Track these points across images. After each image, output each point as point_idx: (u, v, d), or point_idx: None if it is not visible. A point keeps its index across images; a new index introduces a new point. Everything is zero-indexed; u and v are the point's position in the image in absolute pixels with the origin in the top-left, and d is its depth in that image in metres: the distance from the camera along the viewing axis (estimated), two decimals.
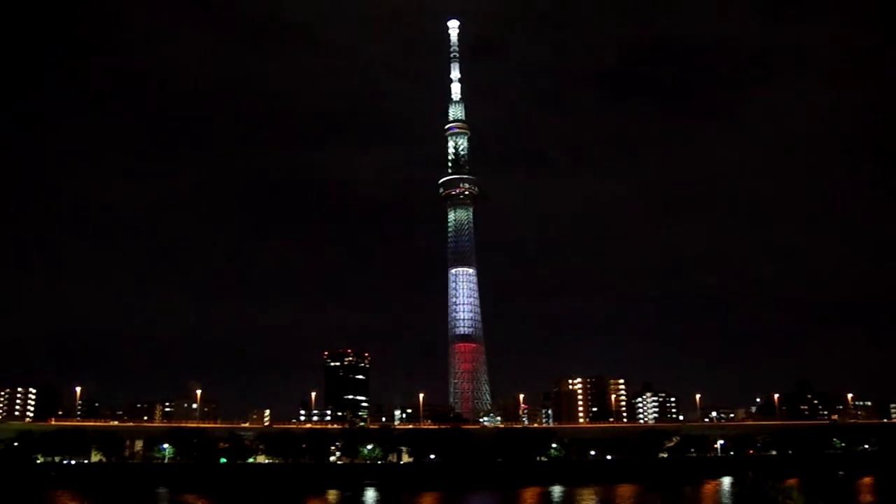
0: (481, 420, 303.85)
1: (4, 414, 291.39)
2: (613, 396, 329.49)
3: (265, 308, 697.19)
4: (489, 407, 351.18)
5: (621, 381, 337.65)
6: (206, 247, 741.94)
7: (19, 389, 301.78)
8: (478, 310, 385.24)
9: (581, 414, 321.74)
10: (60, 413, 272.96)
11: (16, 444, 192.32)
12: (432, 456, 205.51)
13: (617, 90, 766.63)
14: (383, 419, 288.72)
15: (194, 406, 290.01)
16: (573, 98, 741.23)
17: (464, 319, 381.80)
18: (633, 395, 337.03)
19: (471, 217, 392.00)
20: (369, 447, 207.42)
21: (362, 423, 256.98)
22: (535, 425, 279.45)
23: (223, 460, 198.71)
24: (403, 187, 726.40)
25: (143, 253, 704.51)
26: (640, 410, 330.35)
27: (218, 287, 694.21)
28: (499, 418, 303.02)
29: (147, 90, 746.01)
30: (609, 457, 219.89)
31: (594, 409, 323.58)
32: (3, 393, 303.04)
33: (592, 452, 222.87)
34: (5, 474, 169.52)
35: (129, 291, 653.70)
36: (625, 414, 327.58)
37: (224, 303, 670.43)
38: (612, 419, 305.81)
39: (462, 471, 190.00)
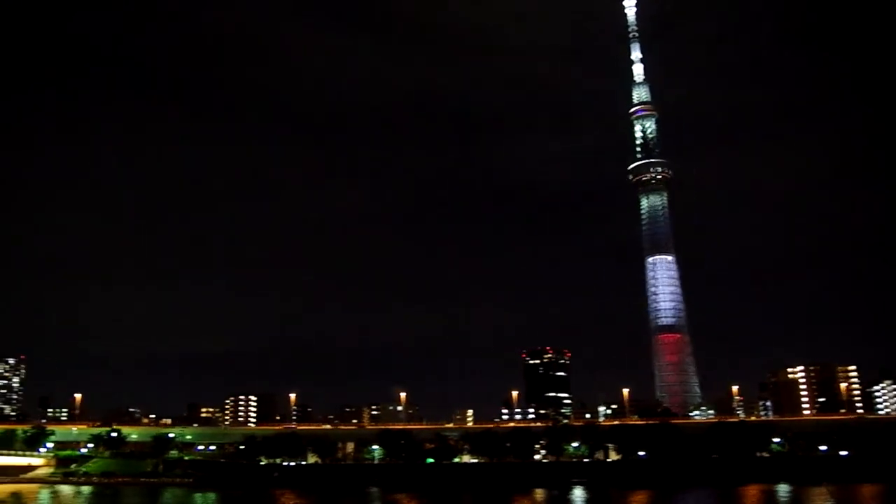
0: (691, 414, 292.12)
1: (231, 420, 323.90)
2: (843, 385, 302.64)
3: (463, 309, 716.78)
4: (699, 400, 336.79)
5: (852, 368, 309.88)
6: (399, 254, 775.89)
7: (241, 398, 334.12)
8: (680, 298, 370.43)
9: (806, 405, 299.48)
10: (278, 418, 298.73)
11: (242, 447, 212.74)
12: (641, 453, 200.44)
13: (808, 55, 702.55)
14: (587, 416, 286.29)
15: (399, 409, 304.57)
16: (760, 67, 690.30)
17: (665, 309, 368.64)
18: (867, 383, 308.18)
19: (665, 202, 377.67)
20: (575, 445, 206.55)
21: (566, 421, 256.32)
22: (752, 418, 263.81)
23: (430, 460, 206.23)
24: (590, 177, 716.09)
25: (344, 265, 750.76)
26: (880, 400, 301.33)
27: (415, 292, 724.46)
28: (711, 411, 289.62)
29: (322, 104, 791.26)
30: (844, 452, 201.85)
31: (821, 400, 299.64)
32: (228, 401, 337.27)
33: (823, 448, 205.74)
34: (234, 474, 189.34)
35: (334, 302, 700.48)
36: (859, 404, 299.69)
37: (421, 307, 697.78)
38: (843, 410, 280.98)
39: (673, 468, 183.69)
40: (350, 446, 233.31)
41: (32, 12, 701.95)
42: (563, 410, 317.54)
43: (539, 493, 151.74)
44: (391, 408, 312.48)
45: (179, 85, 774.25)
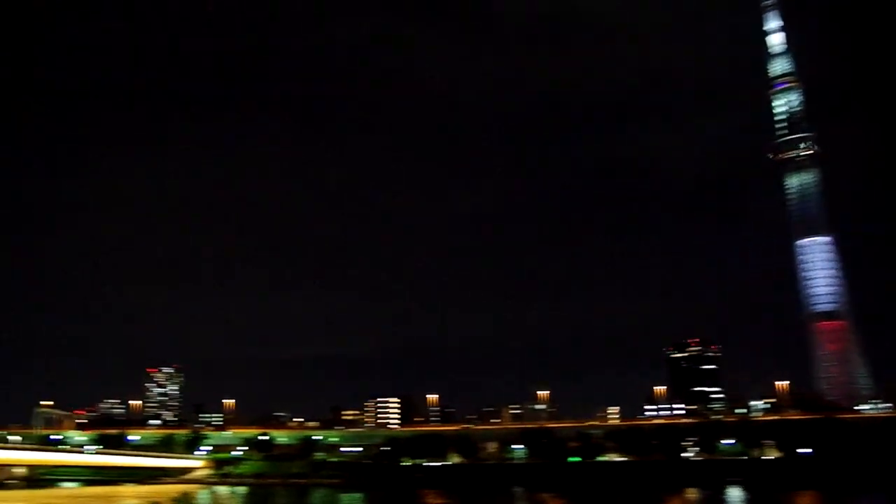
0: (859, 407, 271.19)
1: (373, 422, 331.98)
2: None
3: (602, 303, 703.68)
4: (868, 391, 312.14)
5: None
6: (531, 252, 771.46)
7: (381, 400, 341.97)
8: (838, 282, 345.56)
9: None
10: (420, 420, 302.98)
11: (385, 448, 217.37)
12: (802, 450, 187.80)
13: None
14: (740, 411, 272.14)
15: (540, 407, 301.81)
16: None
17: (823, 294, 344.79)
18: None
19: (815, 180, 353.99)
20: (728, 442, 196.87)
21: (717, 416, 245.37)
22: None
23: (574, 459, 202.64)
24: (729, 159, 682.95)
25: (477, 265, 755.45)
26: None
27: (551, 288, 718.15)
28: (888, 404, 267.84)
29: (433, 105, 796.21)
30: None
31: None
32: (369, 403, 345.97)
33: None
34: (379, 475, 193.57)
35: (471, 303, 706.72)
36: None
37: (558, 303, 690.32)
38: None
39: (842, 467, 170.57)
40: (492, 446, 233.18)
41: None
42: (712, 405, 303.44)
43: (691, 493, 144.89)
44: (532, 406, 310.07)
45: (309, 99, 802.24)
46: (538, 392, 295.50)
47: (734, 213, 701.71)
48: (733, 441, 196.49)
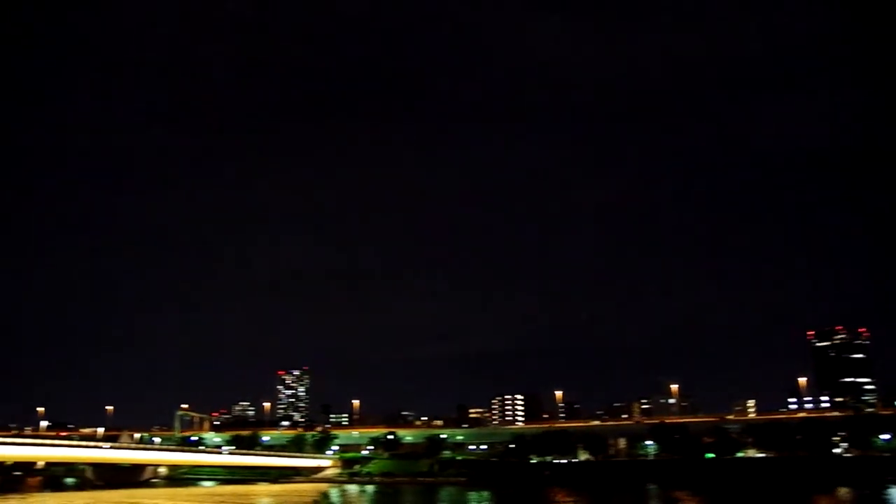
0: None
1: (499, 420, 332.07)
2: None
3: (734, 290, 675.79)
4: None
5: None
6: (656, 241, 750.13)
7: (507, 397, 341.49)
8: None
9: None
10: (546, 416, 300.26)
11: (511, 445, 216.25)
12: None
13: None
14: None
15: (671, 401, 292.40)
16: None
17: None
18: None
19: None
20: (885, 437, 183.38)
21: (870, 409, 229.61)
22: None
23: (709, 455, 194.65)
24: (865, 135, 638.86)
25: (597, 256, 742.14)
26: None
27: (679, 276, 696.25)
28: None
29: (575, 98, 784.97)
30: None
31: None
32: (495, 401, 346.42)
33: None
34: (506, 473, 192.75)
35: (595, 296, 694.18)
36: None
37: (688, 292, 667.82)
38: None
39: None
40: (622, 442, 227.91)
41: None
42: (864, 397, 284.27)
43: (844, 492, 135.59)
44: (662, 400, 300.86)
45: (424, 94, 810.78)
46: (669, 385, 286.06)
47: (878, 189, 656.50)
48: (889, 436, 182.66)
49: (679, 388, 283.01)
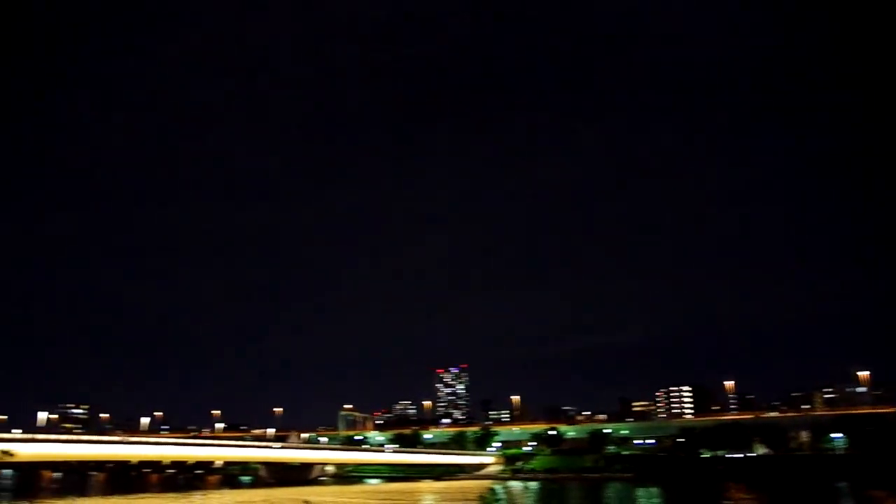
0: None
1: (665, 413, 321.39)
2: None
3: None
4: None
5: None
6: (806, 220, 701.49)
7: (673, 389, 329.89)
8: None
9: None
10: (716, 408, 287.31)
11: (679, 440, 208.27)
12: None
13: None
14: None
15: (861, 390, 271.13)
16: None
17: None
18: None
19: None
20: None
21: None
22: None
23: None
24: None
25: (757, 238, 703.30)
26: None
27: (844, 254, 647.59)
28: None
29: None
30: None
31: None
32: (660, 393, 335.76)
33: None
34: (675, 468, 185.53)
35: (758, 280, 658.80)
36: None
37: (871, 279, 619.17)
38: None
39: None
40: (803, 435, 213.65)
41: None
42: None
43: None
44: (850, 389, 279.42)
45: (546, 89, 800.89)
46: (858, 373, 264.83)
47: None
48: None
49: (869, 375, 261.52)
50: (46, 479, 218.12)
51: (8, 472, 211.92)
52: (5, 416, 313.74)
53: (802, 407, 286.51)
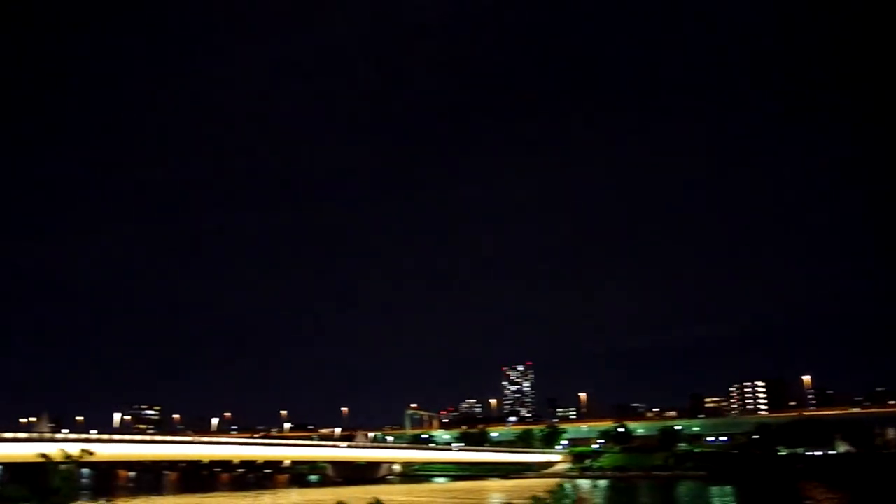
0: None
1: (738, 409, 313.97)
2: None
3: None
4: None
5: None
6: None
7: (746, 384, 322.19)
8: None
9: None
10: (793, 404, 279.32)
11: (754, 437, 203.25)
12: None
13: None
14: None
15: None
16: None
17: None
18: None
19: None
20: None
21: None
22: None
23: None
24: None
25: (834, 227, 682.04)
26: None
27: None
28: None
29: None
30: None
31: None
32: (733, 389, 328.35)
33: None
34: (750, 466, 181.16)
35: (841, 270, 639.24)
36: None
37: None
38: None
39: None
40: (890, 432, 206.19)
41: None
42: None
43: None
44: None
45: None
46: None
47: None
48: None
49: None
50: (122, 477, 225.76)
51: (86, 471, 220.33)
52: (82, 417, 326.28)
53: (889, 403, 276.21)
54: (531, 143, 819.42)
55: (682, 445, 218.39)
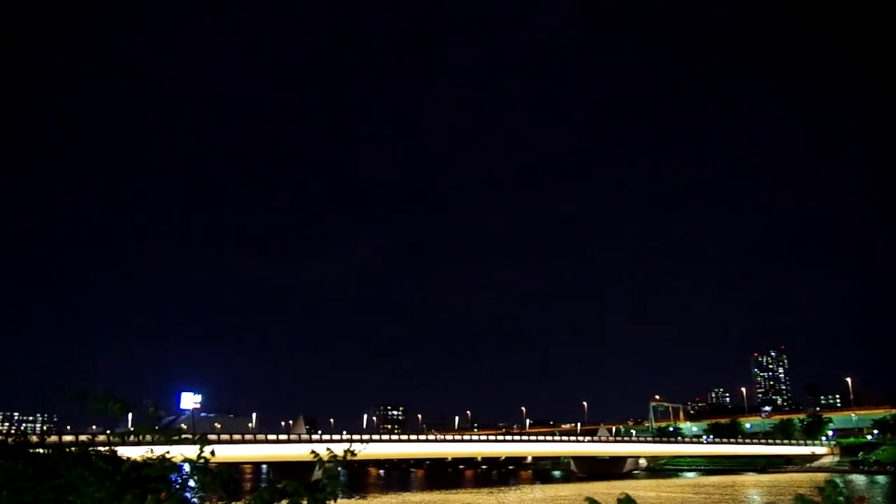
0: None
1: None
2: None
3: None
4: None
5: None
6: None
7: None
8: None
9: None
10: None
11: None
12: None
13: None
14: None
15: None
16: None
17: None
18: None
19: None
20: None
21: None
22: None
23: None
24: None
25: None
26: None
27: None
28: None
29: None
30: None
31: None
32: None
33: None
34: None
35: None
36: None
37: None
38: None
39: None
40: None
41: None
42: None
43: None
44: None
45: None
46: None
47: None
48: None
49: None
50: (373, 475, 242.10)
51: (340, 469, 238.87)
52: (332, 419, 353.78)
53: None
54: None
55: None
